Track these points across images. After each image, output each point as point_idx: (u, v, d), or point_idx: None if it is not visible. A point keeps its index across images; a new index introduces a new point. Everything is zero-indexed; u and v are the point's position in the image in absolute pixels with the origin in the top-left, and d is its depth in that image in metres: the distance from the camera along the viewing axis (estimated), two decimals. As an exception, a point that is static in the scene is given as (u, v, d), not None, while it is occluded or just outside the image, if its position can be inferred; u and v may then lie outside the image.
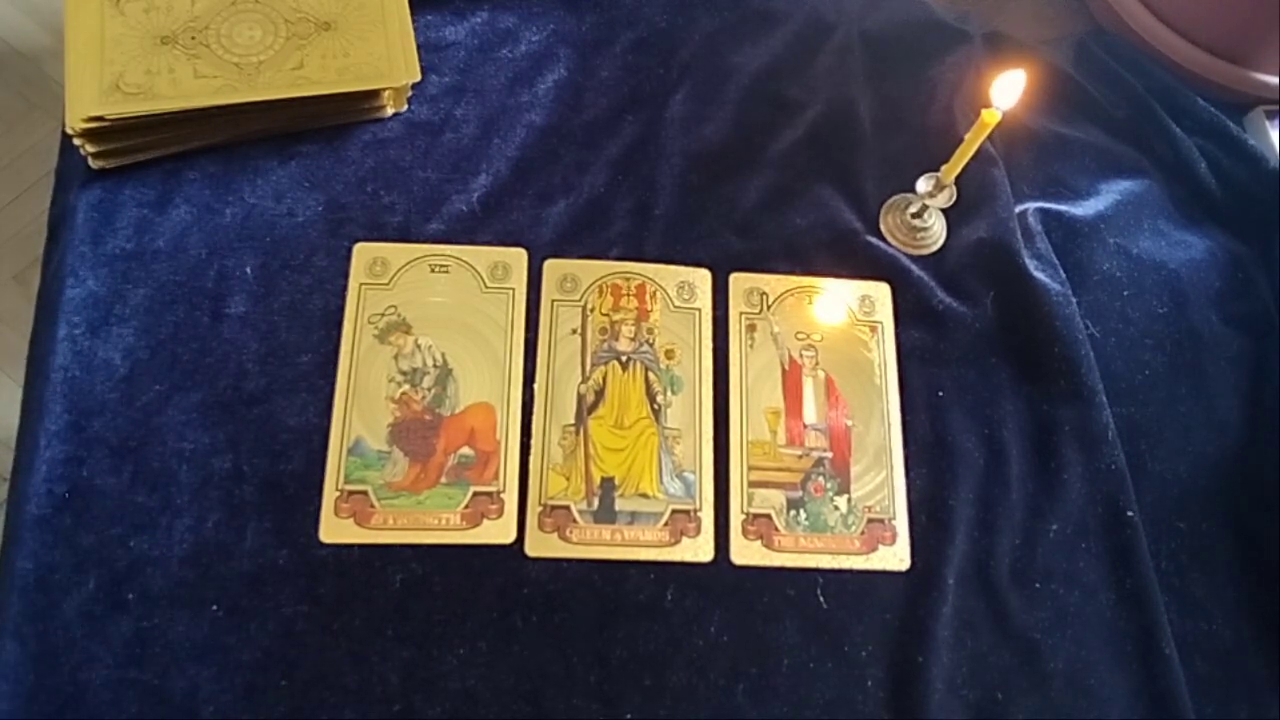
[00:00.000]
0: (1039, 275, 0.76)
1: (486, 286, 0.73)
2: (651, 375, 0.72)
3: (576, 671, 0.64)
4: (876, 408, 0.73)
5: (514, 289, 0.73)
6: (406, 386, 0.69)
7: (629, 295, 0.74)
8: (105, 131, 0.69)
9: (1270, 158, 0.87)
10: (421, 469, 0.67)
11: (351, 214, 0.74)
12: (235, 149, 0.75)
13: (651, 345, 0.73)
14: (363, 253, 0.73)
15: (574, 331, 0.73)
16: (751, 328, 0.74)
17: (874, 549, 0.69)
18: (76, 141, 0.70)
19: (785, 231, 0.78)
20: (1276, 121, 0.91)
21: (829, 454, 0.71)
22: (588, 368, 0.72)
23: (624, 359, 0.72)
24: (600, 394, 0.71)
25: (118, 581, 0.62)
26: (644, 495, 0.68)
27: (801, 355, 0.74)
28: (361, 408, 0.68)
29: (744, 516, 0.68)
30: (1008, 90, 0.66)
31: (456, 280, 0.73)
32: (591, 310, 0.73)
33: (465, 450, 0.68)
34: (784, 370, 0.73)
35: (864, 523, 0.69)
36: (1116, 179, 0.85)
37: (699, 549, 0.67)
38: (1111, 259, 0.81)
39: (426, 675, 0.62)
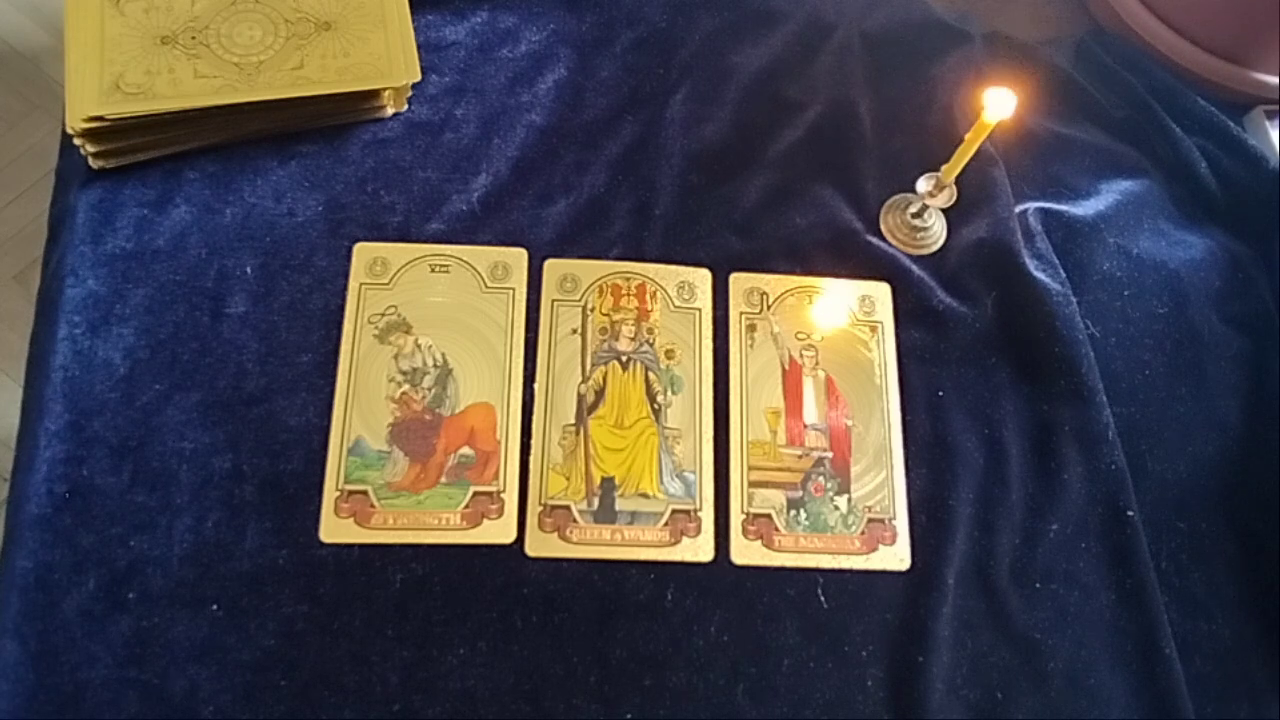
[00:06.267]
0: (1039, 275, 0.76)
1: (486, 286, 0.73)
2: (651, 375, 0.72)
3: (576, 671, 0.64)
4: (876, 408, 0.73)
5: (514, 289, 0.73)
6: (406, 386, 0.69)
7: (629, 295, 0.74)
8: (105, 131, 0.69)
9: (1270, 158, 0.87)
10: (421, 469, 0.67)
11: (351, 214, 0.74)
12: (235, 149, 0.75)
13: (651, 345, 0.73)
14: (363, 252, 0.73)
15: (574, 331, 0.73)
16: (751, 328, 0.74)
17: (874, 549, 0.69)
18: (76, 141, 0.70)
19: (785, 231, 0.78)
20: (1276, 121, 0.91)
21: (829, 454, 0.71)
22: (588, 368, 0.72)
23: (624, 359, 0.72)
24: (600, 394, 0.71)
25: (118, 581, 0.62)
26: (644, 495, 0.68)
27: (801, 355, 0.74)
28: (361, 408, 0.68)
29: (744, 516, 0.68)
30: (1000, 104, 0.66)
31: (456, 280, 0.73)
32: (592, 310, 0.73)
33: (465, 450, 0.68)
34: (784, 370, 0.73)
35: (864, 523, 0.69)
36: (1116, 179, 0.85)
37: (699, 549, 0.67)
38: (1111, 259, 0.81)
39: (426, 675, 0.62)
